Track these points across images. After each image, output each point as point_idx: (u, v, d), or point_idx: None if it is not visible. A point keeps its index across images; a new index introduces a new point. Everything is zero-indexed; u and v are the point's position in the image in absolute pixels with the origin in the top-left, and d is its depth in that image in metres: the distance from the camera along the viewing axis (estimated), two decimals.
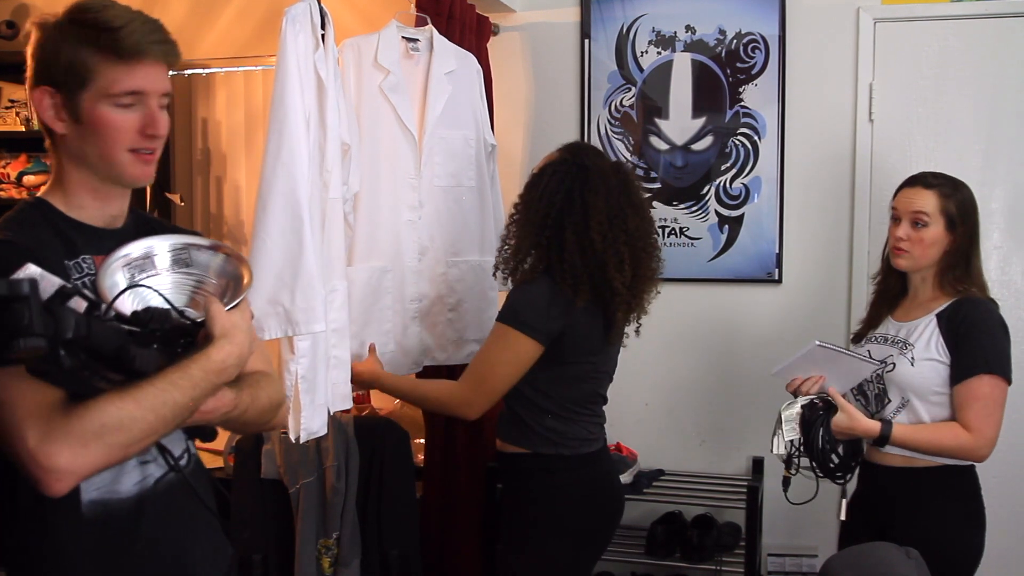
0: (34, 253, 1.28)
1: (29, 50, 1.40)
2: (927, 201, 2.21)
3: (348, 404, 2.46)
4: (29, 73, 1.41)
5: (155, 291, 1.32)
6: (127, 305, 1.29)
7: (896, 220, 2.27)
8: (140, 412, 1.22)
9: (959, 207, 2.21)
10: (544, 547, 2.18)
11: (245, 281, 1.42)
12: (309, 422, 2.25)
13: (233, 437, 2.99)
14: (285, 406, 2.20)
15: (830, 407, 2.19)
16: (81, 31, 1.35)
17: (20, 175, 3.63)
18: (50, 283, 1.15)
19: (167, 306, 1.31)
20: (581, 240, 2.12)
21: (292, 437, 2.26)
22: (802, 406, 2.21)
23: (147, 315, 1.22)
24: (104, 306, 1.22)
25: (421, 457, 3.11)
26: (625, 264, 2.14)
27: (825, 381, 2.24)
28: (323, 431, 2.33)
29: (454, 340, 2.83)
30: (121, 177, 1.42)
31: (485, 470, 3.10)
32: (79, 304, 1.16)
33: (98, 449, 1.20)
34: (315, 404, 2.28)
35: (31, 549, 1.34)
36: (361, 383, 2.46)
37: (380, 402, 3.52)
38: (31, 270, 1.16)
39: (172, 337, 1.29)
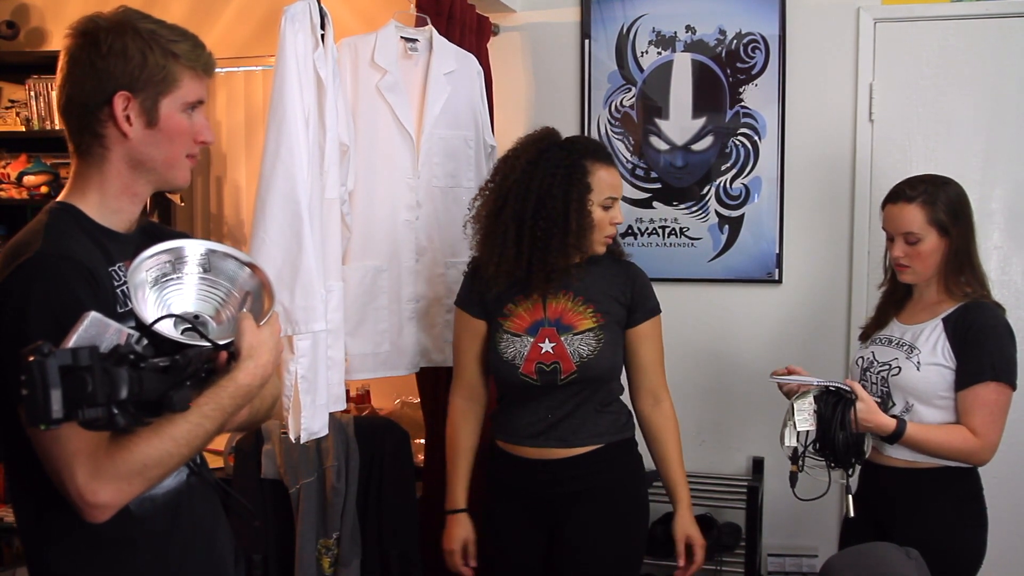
0: (90, 268, 1.34)
1: (87, 54, 1.39)
2: (913, 217, 2.18)
3: (342, 405, 2.46)
4: (95, 77, 1.39)
5: (191, 322, 1.34)
6: (157, 317, 1.32)
7: (890, 239, 2.26)
8: (177, 448, 1.30)
9: (947, 209, 2.18)
10: (640, 528, 2.33)
11: (266, 307, 1.44)
12: (310, 422, 2.25)
13: (233, 437, 2.99)
14: (281, 401, 2.22)
15: (843, 399, 2.14)
16: (158, 40, 1.41)
17: (20, 175, 3.63)
18: (106, 328, 1.20)
19: (190, 325, 1.34)
20: None
21: (292, 437, 2.26)
22: (815, 397, 2.16)
23: (185, 360, 1.26)
24: (144, 340, 1.25)
25: (421, 457, 3.11)
26: None
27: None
28: (324, 432, 2.32)
29: (451, 341, 2.83)
30: (176, 180, 1.49)
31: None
32: (121, 335, 1.22)
33: (139, 484, 1.29)
34: (316, 404, 2.27)
35: (80, 548, 1.39)
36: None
37: (380, 402, 3.52)
38: (93, 317, 1.19)
39: (201, 368, 1.32)
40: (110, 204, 1.45)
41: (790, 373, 2.25)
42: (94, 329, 1.19)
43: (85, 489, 1.25)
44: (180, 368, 1.23)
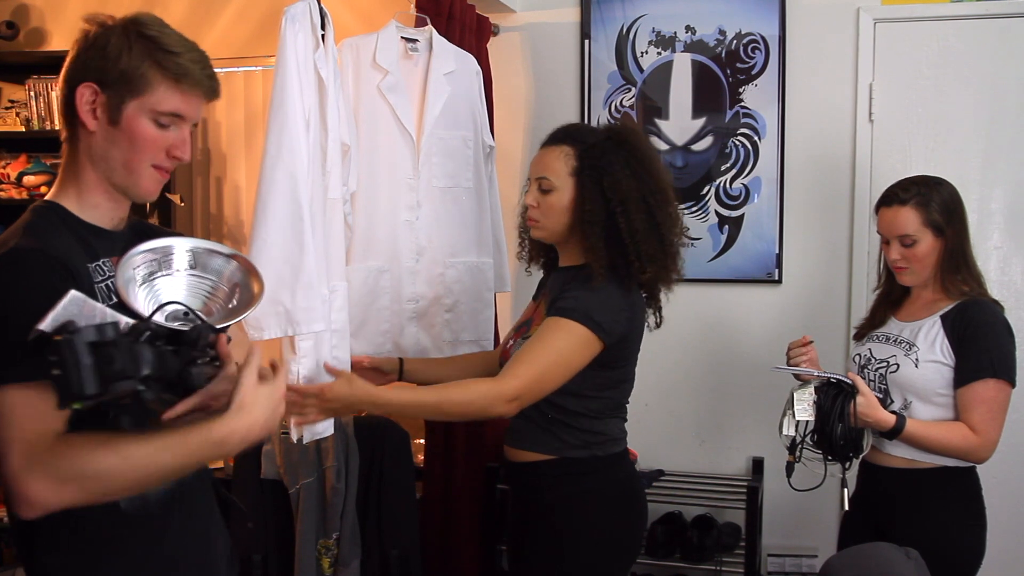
0: (65, 262, 1.33)
1: (79, 45, 1.42)
2: (907, 220, 2.18)
3: None
4: (73, 64, 1.42)
5: (187, 308, 1.34)
6: (150, 310, 1.32)
7: (886, 242, 2.26)
8: (121, 467, 1.24)
9: (941, 210, 2.18)
10: (579, 557, 2.04)
11: (255, 290, 1.45)
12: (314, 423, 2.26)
13: None
14: None
15: (844, 392, 2.13)
16: (147, 45, 1.40)
17: (20, 175, 3.63)
18: (91, 309, 1.19)
19: (189, 313, 1.34)
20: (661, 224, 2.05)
21: (294, 438, 2.26)
22: (816, 388, 2.16)
23: (195, 332, 1.25)
24: (149, 326, 1.24)
25: (421, 457, 3.11)
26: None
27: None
28: (328, 432, 2.32)
29: (450, 341, 2.83)
30: (133, 188, 1.45)
31: (485, 470, 3.10)
32: (107, 316, 1.20)
33: (73, 491, 1.24)
34: None
35: (71, 547, 1.38)
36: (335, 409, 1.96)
37: None
38: (73, 296, 1.18)
39: (206, 350, 1.31)
40: (88, 199, 1.45)
41: (807, 344, 2.30)
42: (75, 307, 1.18)
43: (17, 477, 1.23)
44: (191, 344, 1.23)
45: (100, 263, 1.41)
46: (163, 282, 1.40)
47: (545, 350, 1.96)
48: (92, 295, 1.37)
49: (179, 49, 1.41)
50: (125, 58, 1.39)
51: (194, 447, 1.27)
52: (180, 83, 1.41)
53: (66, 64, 1.43)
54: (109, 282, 1.40)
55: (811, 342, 2.34)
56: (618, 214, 1.99)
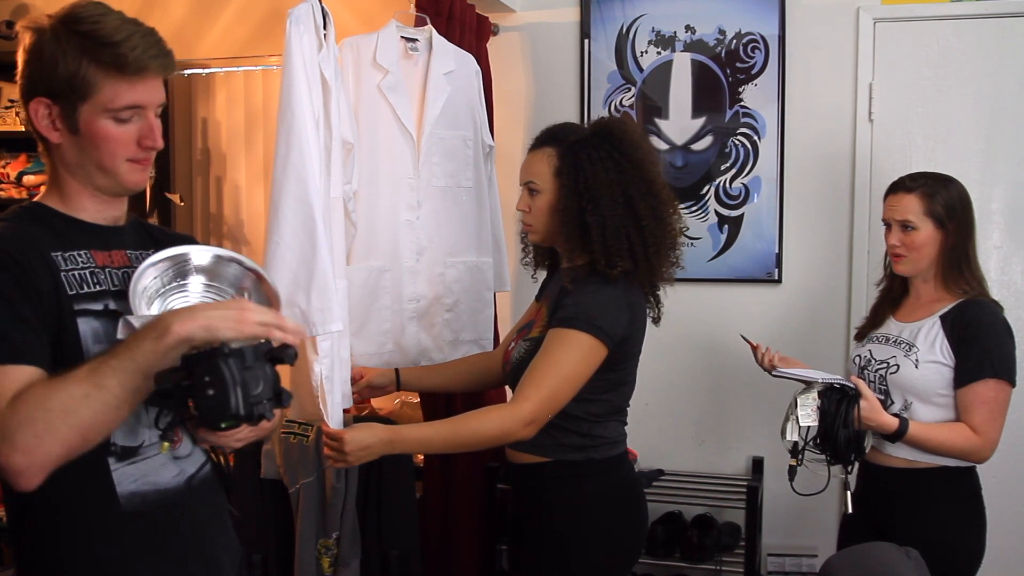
0: (11, 252, 1.30)
1: (22, 57, 1.38)
2: (910, 205, 2.22)
3: (348, 403, 2.47)
4: (22, 81, 1.39)
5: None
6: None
7: (888, 227, 2.29)
8: (75, 391, 1.19)
9: (945, 204, 2.21)
10: (579, 558, 2.05)
11: (268, 295, 1.45)
12: (332, 423, 2.28)
13: None
14: (315, 401, 2.26)
15: (847, 396, 2.14)
16: (82, 43, 1.33)
17: (20, 175, 3.63)
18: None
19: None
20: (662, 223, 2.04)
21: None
22: (819, 392, 2.16)
23: (291, 351, 1.27)
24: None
25: (421, 457, 3.11)
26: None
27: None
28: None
29: (450, 341, 2.83)
30: (119, 186, 1.43)
31: (485, 470, 3.10)
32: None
33: (43, 433, 1.18)
34: (334, 403, 2.30)
35: (68, 544, 1.36)
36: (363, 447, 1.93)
37: (380, 402, 3.52)
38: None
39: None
40: (73, 203, 1.43)
41: (755, 349, 2.37)
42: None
43: None
44: (278, 359, 1.25)
45: (75, 253, 1.39)
46: (179, 295, 1.39)
47: (553, 366, 1.95)
48: (55, 282, 1.35)
49: (118, 36, 1.33)
50: (62, 64, 1.33)
51: (138, 354, 1.19)
52: (125, 74, 1.34)
53: (18, 80, 1.39)
54: (85, 272, 1.38)
55: (757, 346, 2.40)
56: (588, 211, 1.98)
